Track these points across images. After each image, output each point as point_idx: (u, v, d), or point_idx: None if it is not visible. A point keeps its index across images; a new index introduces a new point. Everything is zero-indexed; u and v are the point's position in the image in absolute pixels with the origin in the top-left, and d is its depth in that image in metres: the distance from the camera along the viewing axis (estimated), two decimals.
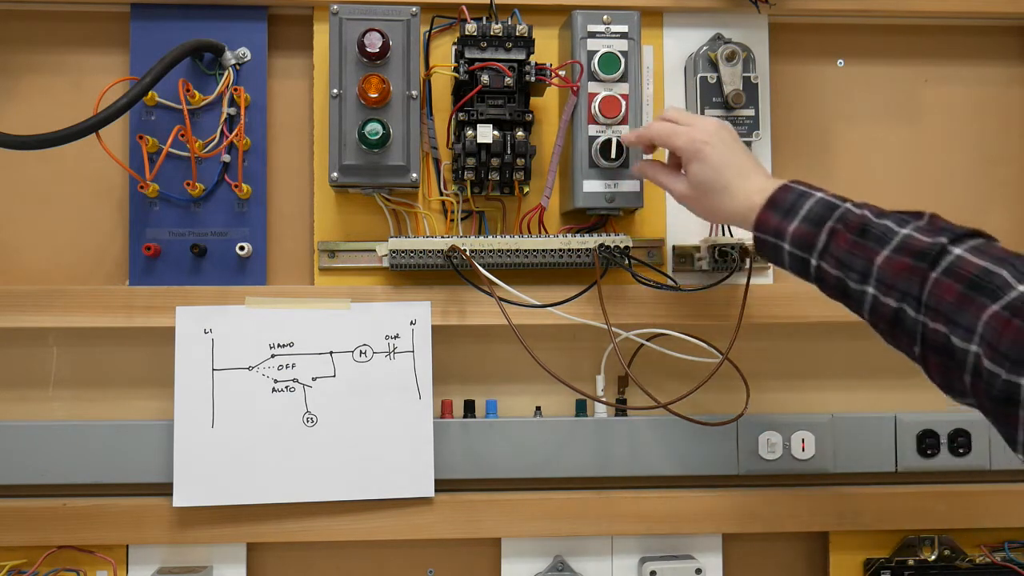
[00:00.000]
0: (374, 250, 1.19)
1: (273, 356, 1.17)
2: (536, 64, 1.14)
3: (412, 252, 1.15)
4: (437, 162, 1.23)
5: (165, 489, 1.17)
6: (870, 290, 0.88)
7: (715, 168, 1.01)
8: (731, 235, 1.23)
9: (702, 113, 1.20)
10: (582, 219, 1.23)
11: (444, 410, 1.24)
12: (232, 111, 1.20)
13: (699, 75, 1.21)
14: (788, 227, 0.94)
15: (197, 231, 1.21)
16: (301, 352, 1.17)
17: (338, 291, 1.19)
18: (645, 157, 1.13)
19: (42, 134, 1.07)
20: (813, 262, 0.93)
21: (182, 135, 1.18)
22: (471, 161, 1.15)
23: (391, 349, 1.18)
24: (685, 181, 1.05)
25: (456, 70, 1.15)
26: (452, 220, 1.22)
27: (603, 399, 1.24)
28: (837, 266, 0.91)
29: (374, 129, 1.12)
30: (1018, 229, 1.34)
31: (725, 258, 1.20)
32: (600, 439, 1.23)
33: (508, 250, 1.15)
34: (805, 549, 1.29)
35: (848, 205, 0.92)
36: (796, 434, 1.24)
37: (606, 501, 1.21)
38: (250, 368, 1.17)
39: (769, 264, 1.25)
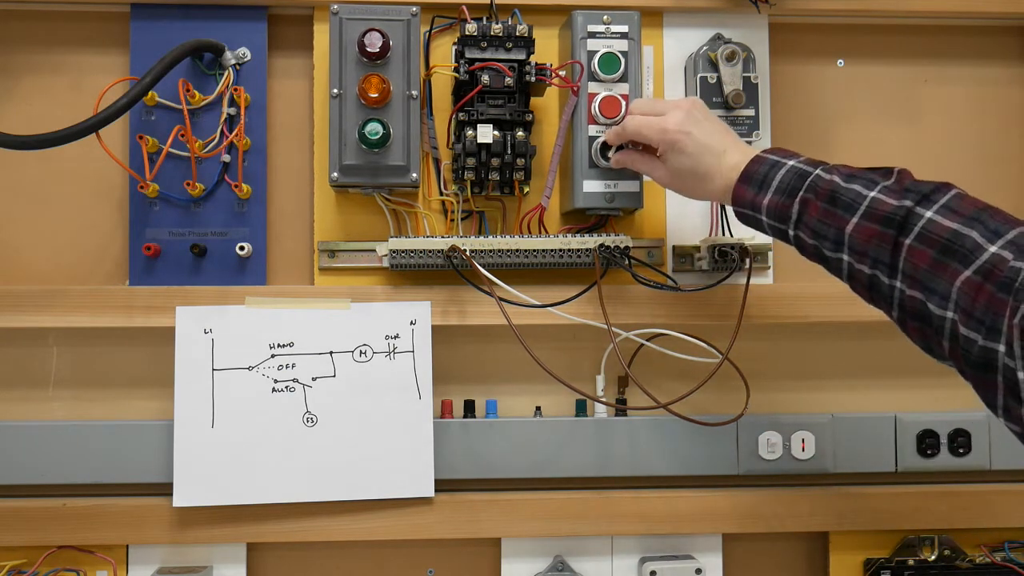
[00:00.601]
0: (374, 250, 1.19)
1: (273, 356, 1.17)
2: (536, 64, 1.14)
3: (412, 252, 1.15)
4: (437, 162, 1.23)
5: (165, 489, 1.17)
6: (845, 257, 0.90)
7: (692, 156, 1.02)
8: (731, 235, 1.23)
9: None
10: (582, 219, 1.23)
11: (444, 410, 1.24)
12: (232, 111, 1.20)
13: (699, 75, 1.21)
14: (763, 200, 0.96)
15: (197, 231, 1.21)
16: (301, 352, 1.17)
17: (338, 291, 1.19)
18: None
19: (42, 134, 1.07)
20: (790, 232, 0.95)
21: (182, 135, 1.18)
22: (471, 161, 1.15)
23: (391, 349, 1.18)
24: (664, 167, 1.06)
25: (456, 70, 1.15)
26: (452, 220, 1.22)
27: (603, 399, 1.24)
28: (812, 235, 0.92)
29: (374, 129, 1.12)
30: None
31: (725, 258, 1.20)
32: (600, 439, 1.23)
33: (508, 250, 1.15)
34: (805, 549, 1.29)
35: (819, 171, 0.93)
36: (796, 434, 1.25)
37: (606, 501, 1.21)
38: (250, 368, 1.17)
39: (769, 264, 1.25)
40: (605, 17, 1.17)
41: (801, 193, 0.93)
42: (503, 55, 1.13)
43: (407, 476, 1.18)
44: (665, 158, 1.05)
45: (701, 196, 1.06)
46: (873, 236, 0.86)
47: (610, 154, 1.14)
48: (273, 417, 1.16)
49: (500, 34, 1.13)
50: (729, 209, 1.25)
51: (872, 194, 0.88)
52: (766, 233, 0.99)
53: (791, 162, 0.96)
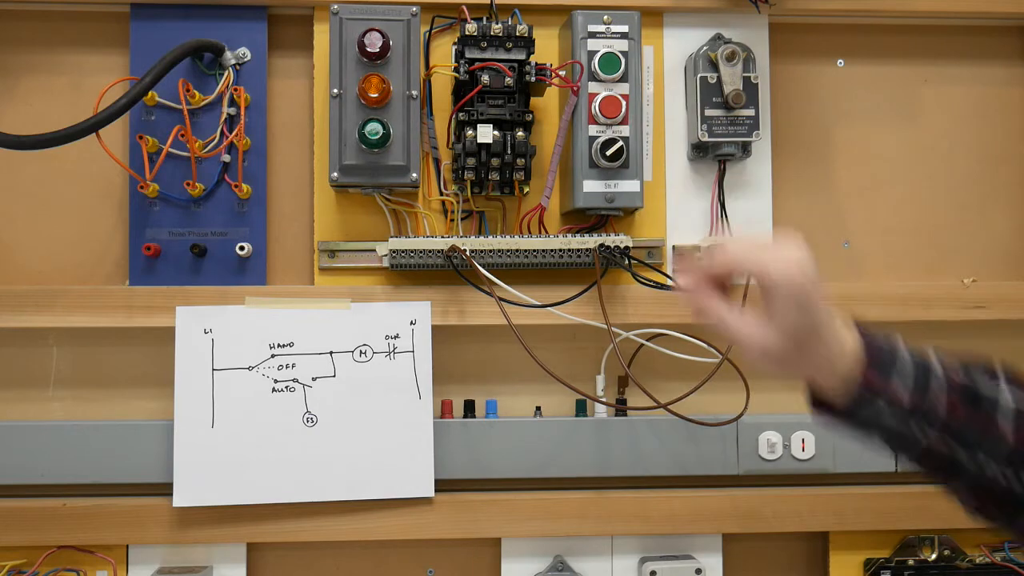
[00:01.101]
0: (374, 250, 1.19)
1: (273, 356, 1.17)
2: (536, 64, 1.14)
3: (412, 252, 1.15)
4: (437, 162, 1.23)
5: (165, 489, 1.17)
6: (1003, 386, 0.76)
7: (812, 310, 0.74)
8: (731, 235, 1.23)
9: (702, 112, 1.20)
10: (582, 219, 1.23)
11: (444, 410, 1.24)
12: (232, 111, 1.20)
13: (699, 75, 1.21)
14: (902, 396, 0.76)
15: (197, 231, 1.21)
16: (301, 352, 1.17)
17: (338, 291, 1.19)
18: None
19: (42, 134, 1.07)
20: (923, 443, 0.78)
21: (182, 135, 1.18)
22: (471, 161, 1.15)
23: (391, 349, 1.18)
24: (766, 329, 0.75)
25: (456, 70, 1.15)
26: (452, 220, 1.22)
27: (603, 399, 1.24)
28: (953, 441, 0.77)
29: (374, 129, 1.12)
30: (1018, 229, 1.34)
31: None
32: (600, 439, 1.23)
33: (508, 250, 1.15)
34: (805, 549, 1.29)
35: (935, 358, 0.78)
36: (796, 434, 1.24)
37: (606, 501, 1.21)
38: (250, 368, 1.17)
39: None
40: (605, 17, 1.16)
41: (947, 393, 0.75)
42: (503, 55, 1.13)
43: (407, 476, 1.17)
44: (773, 309, 0.74)
45: (810, 371, 0.77)
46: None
47: (682, 288, 0.80)
48: (273, 417, 1.16)
49: (500, 34, 1.13)
50: (730, 210, 1.25)
51: (1012, 388, 0.76)
52: (868, 428, 0.78)
53: (899, 340, 0.78)
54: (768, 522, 1.22)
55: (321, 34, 1.21)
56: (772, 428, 1.24)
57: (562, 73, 1.16)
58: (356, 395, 1.17)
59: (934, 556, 1.25)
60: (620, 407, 1.24)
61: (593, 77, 1.16)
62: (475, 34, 1.13)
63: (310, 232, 1.23)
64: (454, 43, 1.20)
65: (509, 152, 1.14)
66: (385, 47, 1.13)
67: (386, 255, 1.15)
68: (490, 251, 1.15)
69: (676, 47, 1.26)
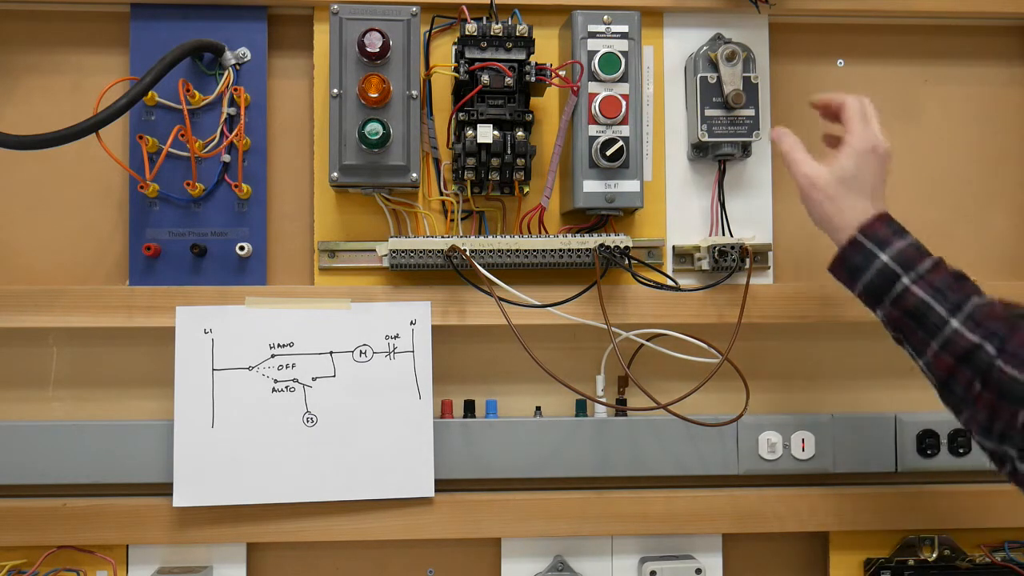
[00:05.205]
0: (374, 250, 1.19)
1: (273, 356, 1.17)
2: (536, 64, 1.14)
3: (412, 252, 1.15)
4: (437, 162, 1.23)
5: (165, 489, 1.17)
6: (955, 323, 0.93)
7: (868, 175, 1.02)
8: (731, 235, 1.23)
9: (702, 112, 1.20)
10: (582, 219, 1.23)
11: (444, 410, 1.24)
12: (232, 111, 1.20)
13: (699, 75, 1.21)
14: (895, 242, 0.99)
15: (197, 231, 1.21)
16: (301, 352, 1.17)
17: (338, 291, 1.19)
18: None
19: (42, 134, 1.07)
20: (905, 280, 0.97)
21: (182, 135, 1.18)
22: (471, 161, 1.15)
23: (391, 349, 1.18)
24: (825, 172, 1.03)
25: (456, 70, 1.15)
26: (452, 220, 1.22)
27: (603, 399, 1.24)
28: (930, 291, 0.95)
29: (374, 129, 1.12)
30: (1018, 229, 1.34)
31: (725, 258, 1.20)
32: (600, 439, 1.23)
33: (508, 250, 1.15)
34: (805, 549, 1.29)
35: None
36: (796, 434, 1.25)
37: (606, 501, 1.21)
38: (250, 368, 1.17)
39: (769, 265, 1.25)
40: (605, 17, 1.17)
41: (936, 257, 0.97)
42: (503, 55, 1.13)
43: (407, 476, 1.18)
44: (840, 160, 1.02)
45: (833, 216, 1.02)
46: (998, 316, 0.92)
47: (775, 129, 1.11)
48: (273, 417, 1.16)
49: (500, 34, 1.13)
50: (730, 210, 1.25)
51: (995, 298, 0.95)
52: (856, 277, 1.00)
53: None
54: (768, 522, 1.22)
55: (321, 34, 1.22)
56: (772, 428, 1.24)
57: (562, 73, 1.16)
58: (356, 395, 1.17)
59: (934, 556, 1.25)
60: (620, 407, 1.24)
61: (593, 77, 1.16)
62: (475, 34, 1.13)
63: (310, 232, 1.23)
64: (454, 43, 1.20)
65: (509, 152, 1.14)
66: (385, 47, 1.13)
67: (386, 255, 1.15)
68: (490, 251, 1.15)
69: (676, 47, 1.26)
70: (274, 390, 1.17)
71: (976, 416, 0.92)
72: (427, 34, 1.22)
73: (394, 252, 1.15)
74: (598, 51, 1.16)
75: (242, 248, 1.20)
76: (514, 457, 1.22)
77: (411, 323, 1.19)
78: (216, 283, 1.19)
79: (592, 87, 1.16)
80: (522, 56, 1.14)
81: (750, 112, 1.20)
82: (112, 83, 1.15)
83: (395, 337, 1.19)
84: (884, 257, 0.98)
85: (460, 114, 1.14)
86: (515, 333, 1.11)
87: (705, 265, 1.22)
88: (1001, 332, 0.91)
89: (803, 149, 1.07)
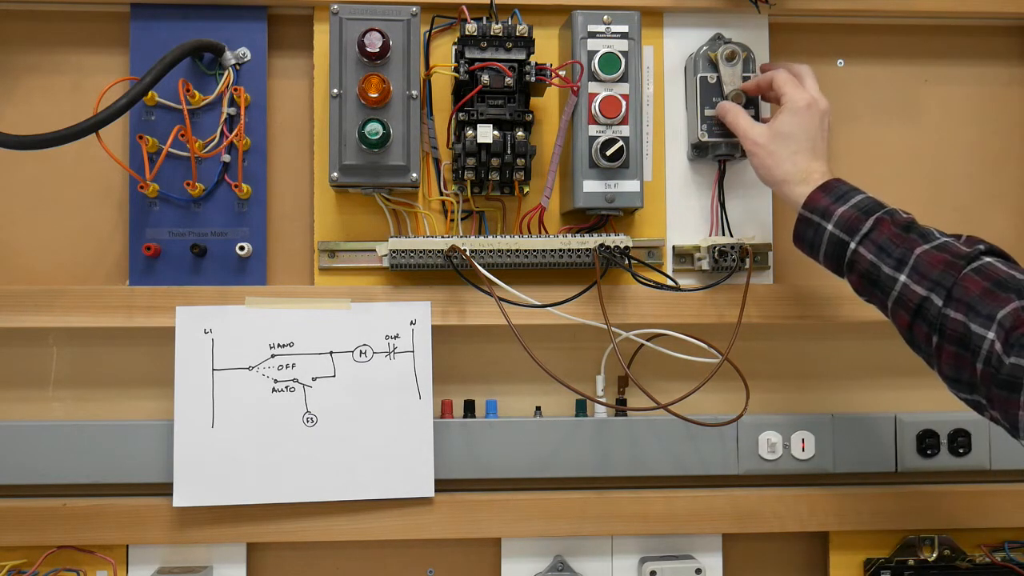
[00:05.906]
0: (374, 250, 1.19)
1: (273, 356, 1.17)
2: (536, 64, 1.14)
3: (412, 252, 1.15)
4: (437, 162, 1.23)
5: (165, 489, 1.17)
6: (902, 278, 0.95)
7: (805, 130, 1.07)
8: (731, 235, 1.23)
9: (702, 112, 1.20)
10: (582, 219, 1.23)
11: (444, 410, 1.24)
12: (232, 111, 1.20)
13: (699, 75, 1.21)
14: (837, 209, 1.01)
15: (197, 231, 1.21)
16: (301, 352, 1.17)
17: (338, 291, 1.19)
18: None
19: (42, 134, 1.07)
20: (852, 245, 0.99)
21: (182, 135, 1.18)
22: (471, 161, 1.15)
23: (391, 349, 1.18)
24: (764, 129, 1.10)
25: (456, 70, 1.15)
26: (452, 220, 1.22)
27: (603, 399, 1.24)
28: (875, 251, 0.97)
29: (374, 129, 1.12)
30: (1018, 229, 1.34)
31: (725, 258, 1.20)
32: (600, 439, 1.23)
33: (508, 250, 1.15)
34: (805, 549, 1.29)
35: (894, 208, 1.01)
36: (796, 434, 1.25)
37: (606, 501, 1.21)
38: (250, 368, 1.17)
39: (769, 265, 1.25)
40: (605, 17, 1.16)
41: (878, 213, 0.99)
42: (503, 55, 1.13)
43: (407, 476, 1.18)
44: (779, 116, 1.08)
45: (775, 173, 1.08)
46: (940, 263, 0.93)
47: (725, 99, 1.17)
48: (273, 417, 1.16)
49: (500, 34, 1.13)
50: (730, 210, 1.25)
51: (947, 238, 0.97)
52: (815, 249, 1.04)
53: (868, 193, 1.03)
54: (768, 522, 1.22)
55: (321, 34, 1.22)
56: (772, 428, 1.24)
57: (562, 73, 1.16)
58: (356, 395, 1.17)
59: (934, 556, 1.25)
60: (620, 407, 1.24)
61: (593, 77, 1.16)
62: (475, 34, 1.13)
63: (310, 232, 1.23)
64: (454, 43, 1.20)
65: (509, 152, 1.14)
66: (385, 47, 1.13)
67: (386, 255, 1.15)
68: (490, 251, 1.15)
69: (676, 47, 1.26)
70: (274, 390, 1.17)
71: (943, 369, 0.94)
72: (427, 34, 1.22)
73: (394, 252, 1.15)
74: (598, 51, 1.16)
75: (242, 248, 1.20)
76: (514, 457, 1.22)
77: (411, 323, 1.19)
78: (216, 283, 1.19)
79: (592, 87, 1.16)
80: (522, 56, 1.14)
81: (750, 112, 1.20)
82: (112, 83, 1.15)
83: (395, 337, 1.19)
84: (829, 227, 1.01)
85: (460, 114, 1.14)
86: (515, 333, 1.11)
87: (705, 265, 1.22)
88: (946, 281, 0.92)
89: (746, 115, 1.13)
